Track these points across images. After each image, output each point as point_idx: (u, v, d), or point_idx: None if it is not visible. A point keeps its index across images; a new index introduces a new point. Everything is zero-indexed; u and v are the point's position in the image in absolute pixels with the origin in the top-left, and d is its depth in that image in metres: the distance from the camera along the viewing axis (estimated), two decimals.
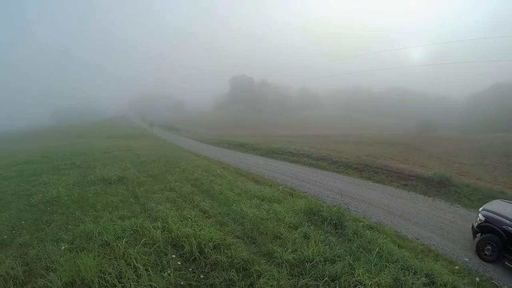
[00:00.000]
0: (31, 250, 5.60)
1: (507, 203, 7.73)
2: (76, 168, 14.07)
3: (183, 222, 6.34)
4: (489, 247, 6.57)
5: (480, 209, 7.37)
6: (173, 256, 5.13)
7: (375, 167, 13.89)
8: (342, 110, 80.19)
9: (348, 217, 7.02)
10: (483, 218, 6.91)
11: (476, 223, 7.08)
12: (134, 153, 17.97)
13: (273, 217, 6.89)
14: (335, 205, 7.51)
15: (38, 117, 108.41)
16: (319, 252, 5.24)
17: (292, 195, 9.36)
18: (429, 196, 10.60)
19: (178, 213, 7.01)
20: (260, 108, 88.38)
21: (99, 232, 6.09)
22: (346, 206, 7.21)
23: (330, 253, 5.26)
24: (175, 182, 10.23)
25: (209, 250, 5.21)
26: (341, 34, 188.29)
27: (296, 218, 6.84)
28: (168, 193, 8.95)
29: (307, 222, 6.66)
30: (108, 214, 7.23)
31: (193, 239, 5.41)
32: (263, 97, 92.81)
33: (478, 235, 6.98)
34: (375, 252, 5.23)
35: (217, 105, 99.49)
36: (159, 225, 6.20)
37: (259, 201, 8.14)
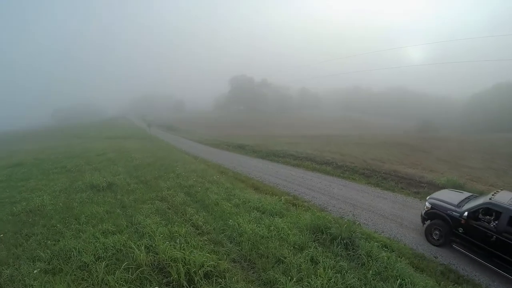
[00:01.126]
0: (6, 270, 5.19)
1: (453, 191, 8.28)
2: (66, 172, 13.52)
3: (172, 241, 5.57)
4: (436, 232, 7.01)
5: (428, 197, 7.77)
6: None
7: (383, 173, 13.04)
8: (342, 110, 79.48)
9: (359, 233, 6.24)
10: (429, 206, 7.35)
11: (424, 211, 7.51)
12: (128, 156, 17.23)
13: (275, 235, 6.08)
14: (343, 217, 6.75)
15: (38, 117, 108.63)
16: (329, 282, 4.47)
17: (296, 205, 8.51)
18: None
19: (168, 228, 6.25)
20: (260, 108, 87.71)
21: (78, 251, 5.58)
22: (357, 221, 6.40)
23: (342, 283, 4.48)
24: (168, 190, 9.49)
25: (200, 279, 4.46)
26: (341, 34, 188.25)
27: (301, 236, 6.03)
28: (159, 203, 8.20)
29: (314, 241, 5.86)
30: (91, 228, 6.72)
31: (181, 265, 4.64)
32: (263, 97, 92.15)
33: (427, 222, 7.34)
34: (397, 284, 4.42)
35: (217, 105, 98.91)
36: (145, 244, 5.56)
37: (259, 214, 7.33)
